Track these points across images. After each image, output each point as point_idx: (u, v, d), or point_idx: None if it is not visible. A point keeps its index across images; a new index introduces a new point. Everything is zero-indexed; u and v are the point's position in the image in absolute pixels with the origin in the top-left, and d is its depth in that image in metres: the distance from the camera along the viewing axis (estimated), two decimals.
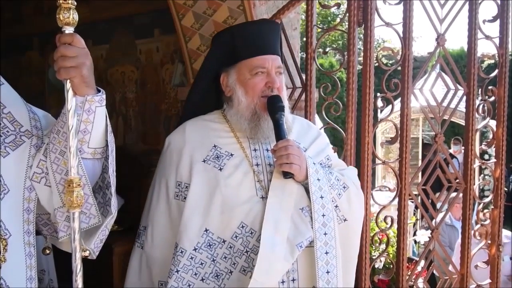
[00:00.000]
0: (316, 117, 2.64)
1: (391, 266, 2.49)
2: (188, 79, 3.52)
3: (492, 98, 2.67)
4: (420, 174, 2.80)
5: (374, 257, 2.56)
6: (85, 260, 1.37)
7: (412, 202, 3.09)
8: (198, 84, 1.90)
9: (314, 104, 2.51)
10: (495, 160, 2.68)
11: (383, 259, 2.90)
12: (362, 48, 2.35)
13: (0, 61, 4.31)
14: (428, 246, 2.57)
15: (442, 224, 5.28)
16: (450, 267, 2.70)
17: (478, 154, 2.70)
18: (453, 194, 2.69)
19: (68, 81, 1.28)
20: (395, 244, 2.48)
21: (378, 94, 2.41)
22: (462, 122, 5.75)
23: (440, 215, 2.66)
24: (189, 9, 3.10)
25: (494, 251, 2.68)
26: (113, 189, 1.43)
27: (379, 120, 2.76)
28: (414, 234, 5.73)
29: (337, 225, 1.74)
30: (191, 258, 1.65)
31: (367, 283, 2.33)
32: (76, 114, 1.30)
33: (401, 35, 2.35)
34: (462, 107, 2.68)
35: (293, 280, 1.68)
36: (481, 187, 6.77)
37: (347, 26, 2.34)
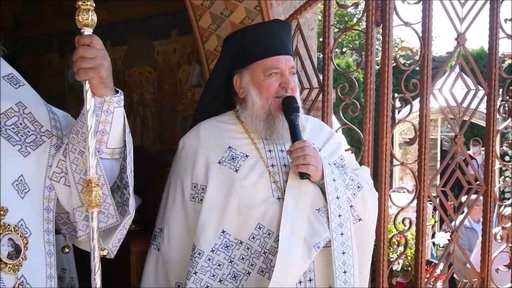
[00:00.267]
0: (333, 117, 2.62)
1: (409, 268, 2.46)
2: (204, 80, 3.53)
3: None
4: (438, 175, 2.77)
5: (392, 259, 2.54)
6: (103, 259, 1.38)
7: (431, 204, 3.06)
8: (211, 85, 1.91)
9: (331, 104, 2.50)
10: None
11: (401, 261, 2.88)
12: (380, 48, 2.33)
13: (21, 62, 4.37)
14: (447, 248, 2.53)
15: (462, 227, 5.24)
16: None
17: (498, 155, 2.66)
18: (473, 196, 2.65)
19: (87, 82, 1.29)
20: (413, 246, 2.46)
21: (396, 95, 2.39)
22: (482, 123, 5.66)
23: (460, 218, 2.63)
24: (206, 10, 3.11)
25: None
26: (131, 189, 1.44)
27: (397, 120, 2.73)
28: (433, 236, 5.67)
29: (353, 225, 1.73)
30: (209, 259, 1.65)
31: (385, 285, 2.31)
32: (94, 114, 1.32)
33: (420, 34, 2.33)
34: (482, 107, 2.64)
35: (310, 280, 1.68)
36: (501, 189, 6.65)
37: (364, 26, 2.33)
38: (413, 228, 2.42)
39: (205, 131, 1.82)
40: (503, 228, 2.67)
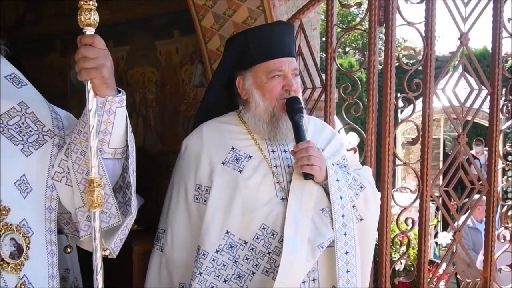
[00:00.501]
0: (335, 118, 2.62)
1: (412, 268, 2.45)
2: (207, 80, 3.53)
3: None
4: (441, 175, 2.76)
5: (394, 259, 2.53)
6: (105, 259, 1.39)
7: (434, 203, 3.05)
8: (213, 86, 1.91)
9: (333, 104, 2.49)
10: None
11: (403, 261, 2.87)
12: (383, 48, 2.32)
13: (23, 62, 4.38)
14: (450, 248, 2.53)
15: (465, 227, 5.22)
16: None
17: (501, 155, 2.65)
18: (476, 196, 2.64)
19: (89, 82, 1.29)
20: (416, 246, 2.45)
21: (399, 94, 2.39)
22: (485, 123, 5.65)
23: (463, 217, 2.62)
24: (208, 9, 3.11)
25: None
26: (133, 189, 1.44)
27: (400, 120, 2.73)
28: (436, 236, 5.66)
29: (356, 225, 1.74)
30: (213, 260, 1.65)
31: (388, 285, 2.31)
32: (96, 114, 1.32)
33: (423, 34, 2.32)
34: (485, 107, 2.64)
35: (314, 280, 1.68)
36: (504, 189, 6.63)
37: (367, 25, 2.32)
38: (416, 228, 2.42)
39: (208, 132, 1.82)
40: (506, 228, 2.66)
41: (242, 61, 1.81)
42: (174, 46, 4.05)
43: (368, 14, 2.30)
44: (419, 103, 2.44)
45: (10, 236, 1.29)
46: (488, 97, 2.54)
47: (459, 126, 2.49)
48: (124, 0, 4.10)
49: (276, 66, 1.75)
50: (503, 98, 2.63)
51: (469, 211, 2.72)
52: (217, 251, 1.66)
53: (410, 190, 2.50)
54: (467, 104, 2.52)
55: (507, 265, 2.67)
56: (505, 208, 2.73)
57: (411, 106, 2.46)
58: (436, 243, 5.47)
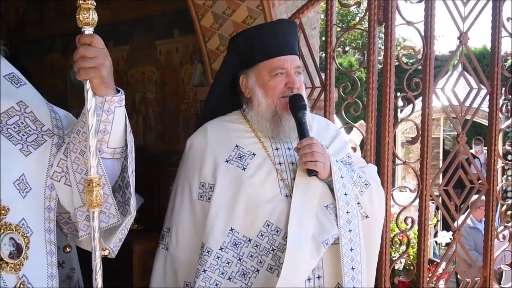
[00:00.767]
0: (335, 117, 2.62)
1: (412, 267, 2.46)
2: (207, 79, 3.53)
3: None
4: (441, 174, 2.76)
5: (394, 258, 2.53)
6: (105, 258, 1.39)
7: (433, 203, 3.05)
8: (217, 85, 1.92)
9: (333, 103, 2.50)
10: None
11: (403, 260, 2.87)
12: (382, 47, 2.32)
13: (24, 62, 4.38)
14: (449, 247, 2.53)
15: (466, 227, 5.22)
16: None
17: (501, 154, 2.65)
18: (475, 196, 2.64)
19: (88, 81, 1.29)
20: (416, 245, 2.45)
21: (399, 94, 2.39)
22: (484, 122, 5.64)
23: (462, 217, 2.62)
24: (208, 9, 3.11)
25: None
26: (132, 188, 1.44)
27: (399, 120, 2.73)
28: (435, 236, 5.66)
29: (360, 222, 1.74)
30: (218, 257, 1.66)
31: (387, 284, 2.31)
32: (95, 114, 1.32)
33: (423, 33, 2.33)
34: (484, 106, 2.64)
35: (319, 277, 1.68)
36: (504, 188, 6.63)
37: (367, 25, 2.33)
38: (415, 227, 2.42)
39: (212, 130, 1.83)
40: (505, 227, 2.66)
41: (245, 59, 1.81)
42: (174, 45, 4.06)
43: (367, 14, 2.30)
44: (418, 103, 2.44)
45: (9, 235, 1.29)
46: (488, 96, 2.55)
47: (459, 125, 2.50)
48: (125, 0, 4.11)
49: (279, 64, 1.75)
50: (503, 97, 2.63)
51: (468, 210, 2.72)
52: (221, 249, 1.66)
53: (410, 190, 2.50)
54: (467, 103, 2.52)
55: (507, 264, 2.67)
56: (504, 207, 2.74)
57: (411, 106, 2.46)
58: (436, 242, 5.46)
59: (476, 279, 2.55)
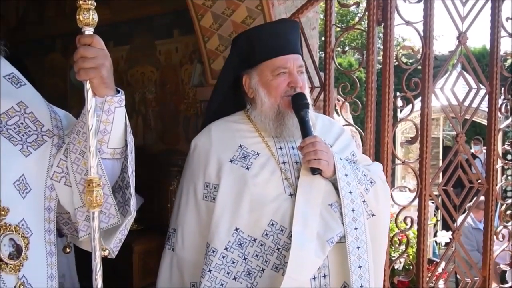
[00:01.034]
0: (335, 117, 2.63)
1: (411, 267, 2.46)
2: (206, 79, 3.54)
3: None
4: (440, 174, 2.77)
5: (393, 258, 2.54)
6: (105, 258, 1.39)
7: (433, 202, 3.06)
8: (219, 86, 1.92)
9: (332, 103, 2.50)
10: None
11: (402, 260, 2.87)
12: (382, 47, 2.33)
13: (24, 62, 4.39)
14: (449, 247, 2.54)
15: (468, 228, 5.21)
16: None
17: (500, 154, 2.66)
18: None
19: (88, 82, 1.29)
20: (415, 245, 2.46)
21: (398, 94, 2.39)
22: (484, 122, 5.64)
23: (462, 216, 2.62)
24: (208, 9, 3.12)
25: None
26: (132, 189, 1.44)
27: (398, 119, 2.73)
28: (435, 235, 5.66)
29: (366, 220, 1.73)
30: (223, 257, 1.66)
31: (387, 284, 2.31)
32: (95, 114, 1.32)
33: (422, 33, 2.33)
34: (484, 106, 2.64)
35: (325, 276, 1.68)
36: (503, 188, 6.64)
37: (366, 25, 2.33)
38: (415, 227, 2.42)
39: (216, 131, 1.84)
40: (504, 226, 2.66)
41: (247, 59, 1.81)
42: (174, 45, 4.06)
43: (366, 14, 2.31)
44: (418, 103, 2.44)
45: (9, 236, 1.29)
46: (487, 96, 2.55)
47: (458, 125, 2.50)
48: (125, 0, 4.11)
49: (281, 63, 1.75)
50: (502, 97, 2.63)
51: (467, 210, 2.72)
52: (226, 248, 1.66)
53: (409, 189, 2.50)
54: (466, 103, 2.52)
55: (506, 264, 2.67)
56: (504, 207, 2.74)
57: (410, 105, 2.46)
58: (436, 242, 5.46)
59: (475, 279, 2.56)
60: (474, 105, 2.58)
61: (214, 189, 1.73)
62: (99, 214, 1.35)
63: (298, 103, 1.73)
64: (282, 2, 3.07)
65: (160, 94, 4.22)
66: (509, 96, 2.62)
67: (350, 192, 1.71)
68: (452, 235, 2.52)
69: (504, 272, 3.78)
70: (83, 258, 1.57)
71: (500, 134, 2.62)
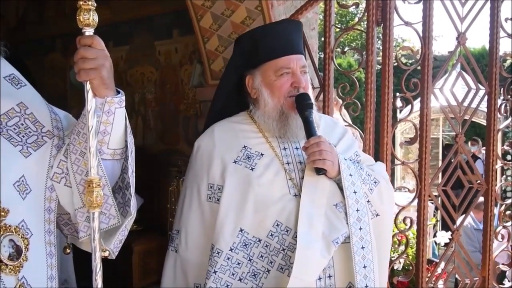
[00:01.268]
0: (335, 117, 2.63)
1: (411, 267, 2.46)
2: (206, 80, 3.54)
3: None
4: (440, 174, 2.77)
5: (393, 259, 2.54)
6: (105, 259, 1.39)
7: (432, 203, 3.06)
8: (223, 87, 1.91)
9: (332, 104, 2.50)
10: None
11: (402, 260, 2.88)
12: (381, 48, 2.33)
13: (25, 62, 4.39)
14: (448, 247, 2.54)
15: (470, 228, 5.20)
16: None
17: (500, 154, 2.66)
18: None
19: (88, 82, 1.29)
20: (415, 245, 2.46)
21: (397, 94, 2.39)
22: (483, 122, 5.64)
23: (462, 217, 2.63)
24: (207, 10, 3.12)
25: None
26: (132, 189, 1.44)
27: (398, 120, 2.74)
28: (434, 236, 5.66)
29: (371, 220, 1.73)
30: (228, 258, 1.65)
31: (386, 284, 2.31)
32: (95, 115, 1.32)
33: (421, 34, 2.33)
34: (483, 106, 2.65)
35: (330, 276, 1.67)
36: (503, 188, 6.64)
37: (365, 25, 2.33)
38: (414, 227, 2.42)
39: (219, 132, 1.83)
40: (504, 227, 2.67)
41: (250, 60, 1.81)
42: (174, 46, 4.06)
43: (366, 14, 2.31)
44: (417, 103, 2.45)
45: (8, 237, 1.29)
46: (486, 97, 2.55)
47: (457, 125, 2.50)
48: (125, 0, 4.11)
49: (285, 63, 1.75)
50: (501, 97, 2.64)
51: (468, 211, 2.72)
52: (231, 249, 1.65)
53: (409, 190, 2.50)
54: (465, 104, 2.53)
55: (505, 264, 2.68)
56: (503, 207, 2.74)
57: (410, 106, 2.46)
58: (435, 242, 5.46)
59: (475, 279, 2.56)
60: (474, 105, 2.59)
61: (218, 190, 1.72)
62: (99, 215, 1.35)
63: (302, 103, 1.73)
64: (281, 2, 3.07)
65: (160, 95, 4.22)
66: (509, 96, 2.62)
67: (355, 192, 1.71)
68: (451, 235, 2.52)
69: (503, 272, 3.77)
70: (83, 259, 1.57)
71: (500, 134, 2.62)
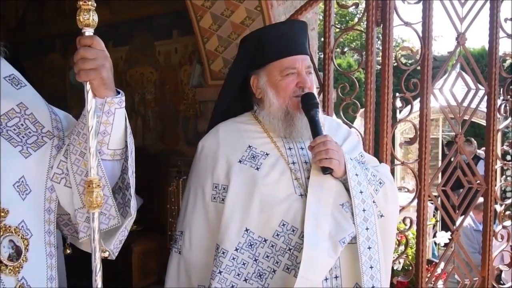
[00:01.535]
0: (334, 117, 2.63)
1: (410, 268, 2.46)
2: (206, 80, 3.54)
3: None
4: (440, 175, 2.77)
5: (393, 259, 2.54)
6: (105, 259, 1.39)
7: (432, 203, 3.06)
8: (227, 87, 1.91)
9: (331, 104, 2.50)
10: None
11: (402, 260, 2.88)
12: (381, 48, 2.33)
13: (23, 63, 4.39)
14: (448, 248, 2.54)
15: (470, 229, 5.20)
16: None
17: (499, 155, 2.66)
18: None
19: (88, 83, 1.29)
20: (414, 245, 2.46)
21: (397, 94, 2.39)
22: (483, 122, 5.65)
23: (461, 217, 2.63)
24: (207, 10, 3.12)
25: None
26: (132, 190, 1.44)
27: (398, 120, 2.74)
28: (434, 236, 5.66)
29: (377, 220, 1.72)
30: (233, 258, 1.64)
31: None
32: (95, 115, 1.32)
33: (421, 34, 2.33)
34: (483, 107, 2.65)
35: (336, 277, 1.66)
36: (502, 189, 6.65)
37: (365, 25, 2.33)
38: (414, 227, 2.42)
39: (224, 132, 1.82)
40: (503, 227, 2.67)
41: (255, 60, 1.81)
42: (173, 46, 4.07)
43: (365, 15, 2.31)
44: (417, 103, 2.45)
45: (8, 238, 1.29)
46: (486, 97, 2.55)
47: (457, 125, 2.50)
48: (125, 0, 4.12)
49: (290, 64, 1.74)
50: (501, 98, 2.64)
51: (467, 211, 2.72)
52: (236, 249, 1.64)
53: (408, 190, 2.51)
54: (465, 104, 2.53)
55: (505, 264, 2.68)
56: (503, 207, 2.74)
57: (409, 106, 2.47)
58: (435, 242, 5.46)
59: (475, 279, 2.56)
60: (473, 105, 2.59)
61: (223, 190, 1.71)
62: (99, 215, 1.34)
63: (308, 103, 1.72)
64: (281, 2, 3.08)
65: (160, 95, 4.22)
66: (508, 96, 2.63)
67: (361, 192, 1.70)
68: (451, 235, 2.52)
69: (500, 272, 3.78)
70: (83, 259, 1.57)
71: (499, 134, 2.62)
